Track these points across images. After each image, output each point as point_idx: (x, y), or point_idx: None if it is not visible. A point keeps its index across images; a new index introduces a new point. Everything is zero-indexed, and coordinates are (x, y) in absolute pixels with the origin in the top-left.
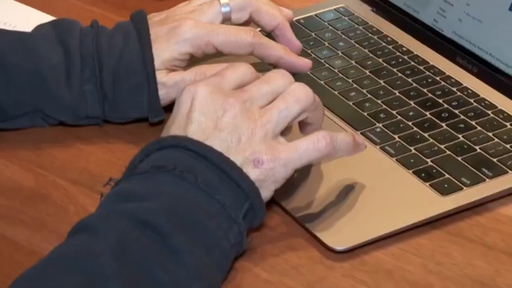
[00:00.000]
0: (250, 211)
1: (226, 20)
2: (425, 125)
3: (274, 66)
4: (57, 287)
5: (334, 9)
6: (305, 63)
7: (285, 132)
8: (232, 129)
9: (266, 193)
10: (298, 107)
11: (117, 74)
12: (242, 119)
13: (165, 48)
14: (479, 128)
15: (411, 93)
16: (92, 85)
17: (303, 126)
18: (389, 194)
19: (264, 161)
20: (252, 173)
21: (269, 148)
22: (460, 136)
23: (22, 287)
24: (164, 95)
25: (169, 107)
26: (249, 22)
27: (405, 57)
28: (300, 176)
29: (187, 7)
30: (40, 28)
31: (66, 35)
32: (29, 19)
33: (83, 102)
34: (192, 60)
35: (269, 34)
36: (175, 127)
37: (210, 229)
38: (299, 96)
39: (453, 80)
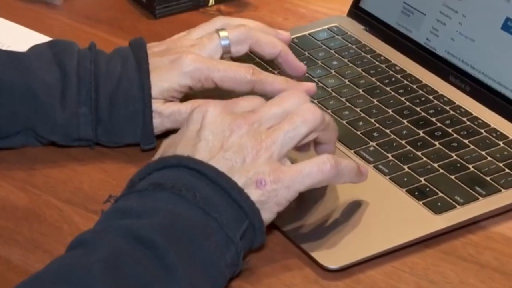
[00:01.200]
0: (249, 231)
1: (226, 53)
2: (418, 143)
3: None
4: None
5: (327, 28)
6: (307, 87)
7: (304, 148)
8: (237, 149)
9: (268, 215)
10: (305, 128)
11: (114, 99)
12: (248, 140)
13: (165, 78)
14: (472, 146)
15: (404, 112)
16: (87, 108)
17: (316, 146)
18: (382, 213)
19: (267, 183)
20: (254, 194)
21: (273, 169)
22: (453, 154)
23: None
24: (158, 123)
25: (162, 135)
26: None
27: (398, 76)
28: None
29: (186, 40)
30: (35, 48)
31: (63, 56)
32: (23, 39)
33: (76, 124)
34: (188, 93)
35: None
36: (183, 145)
37: (206, 247)
38: (307, 117)
39: (446, 99)
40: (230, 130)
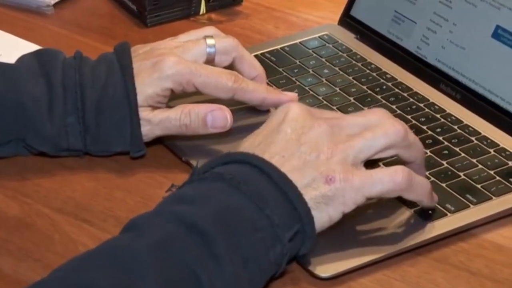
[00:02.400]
0: (299, 235)
1: (210, 61)
2: None
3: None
4: (94, 278)
5: (319, 37)
6: (290, 97)
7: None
8: (314, 145)
9: (332, 212)
10: (384, 140)
11: (100, 107)
12: (326, 139)
13: (148, 83)
14: (463, 154)
15: None
16: (74, 118)
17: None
18: (374, 221)
19: (336, 180)
20: (321, 188)
21: (344, 169)
22: (444, 162)
23: (63, 270)
24: (148, 131)
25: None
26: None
27: (389, 84)
28: None
29: (172, 42)
30: (23, 58)
31: (49, 67)
32: (14, 48)
33: (65, 135)
34: (176, 96)
35: None
36: (263, 136)
37: (252, 241)
38: (388, 131)
39: (436, 107)
40: (310, 127)
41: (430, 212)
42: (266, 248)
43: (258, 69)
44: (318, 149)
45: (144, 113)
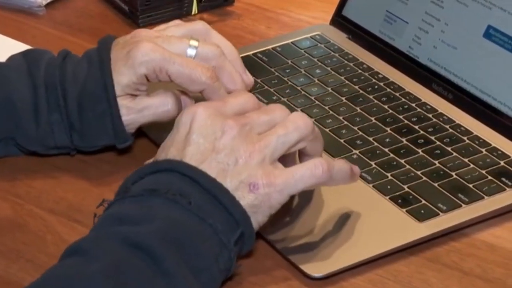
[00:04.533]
0: (241, 238)
1: None
2: (401, 151)
3: None
4: None
5: (310, 37)
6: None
7: (290, 161)
8: (230, 151)
9: (260, 218)
10: (297, 134)
11: (82, 102)
12: (240, 142)
13: (122, 72)
14: (455, 154)
15: (387, 120)
16: (58, 115)
17: (303, 158)
18: (366, 221)
19: (260, 186)
20: (247, 198)
21: (266, 173)
22: (436, 162)
23: None
24: (131, 120)
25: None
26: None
27: (381, 84)
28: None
29: (154, 31)
30: (12, 58)
31: (34, 67)
32: (5, 49)
33: (51, 133)
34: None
35: None
36: (174, 149)
37: (201, 252)
38: (299, 124)
39: (428, 107)
40: (222, 131)
41: (422, 211)
42: (215, 256)
43: (237, 84)
44: (235, 155)
45: (124, 102)
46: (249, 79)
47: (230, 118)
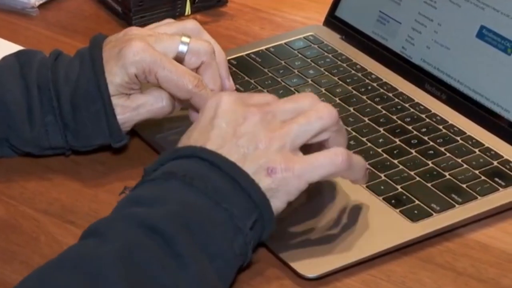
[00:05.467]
0: (259, 222)
1: (180, 59)
2: (395, 151)
3: None
4: (61, 286)
5: (304, 38)
6: None
7: (315, 150)
8: (250, 136)
9: (278, 204)
10: (319, 124)
11: (75, 102)
12: (262, 128)
13: (114, 72)
14: (448, 154)
15: (381, 120)
16: (52, 116)
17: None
18: (359, 221)
19: (278, 171)
20: (264, 181)
21: (284, 158)
22: (429, 162)
23: (27, 285)
24: (127, 118)
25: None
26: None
27: (374, 84)
28: None
29: (146, 29)
30: (5, 59)
31: (26, 68)
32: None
33: (45, 134)
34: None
35: None
36: (197, 132)
37: (214, 237)
38: (322, 114)
39: (422, 107)
40: (244, 118)
41: (415, 212)
42: (229, 241)
43: (217, 85)
44: (255, 140)
45: (119, 101)
46: (231, 85)
47: (254, 106)
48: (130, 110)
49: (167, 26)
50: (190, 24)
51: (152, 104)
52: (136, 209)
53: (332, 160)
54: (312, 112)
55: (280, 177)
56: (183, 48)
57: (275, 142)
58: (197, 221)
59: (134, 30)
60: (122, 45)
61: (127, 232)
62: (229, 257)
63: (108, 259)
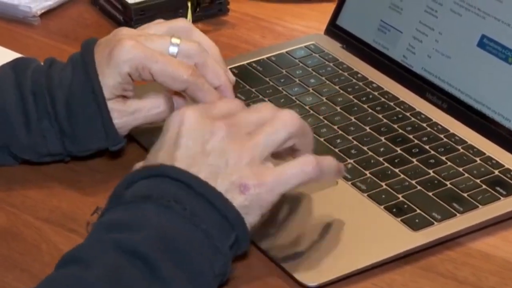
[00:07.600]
0: (236, 241)
1: None
2: (396, 160)
3: None
4: None
5: (305, 46)
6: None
7: (283, 156)
8: (219, 152)
9: (252, 219)
10: (285, 132)
11: (70, 107)
12: (229, 143)
13: (107, 74)
14: (449, 163)
15: (382, 129)
16: (48, 122)
17: (294, 154)
18: (360, 230)
19: (250, 187)
20: (238, 199)
21: (255, 173)
22: (430, 171)
23: None
24: (123, 122)
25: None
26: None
27: (376, 93)
28: (272, 213)
29: (136, 30)
30: (2, 68)
31: (22, 77)
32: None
33: (42, 141)
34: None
35: None
36: (163, 153)
37: (195, 258)
38: (287, 122)
39: (423, 116)
40: (210, 133)
41: (417, 220)
42: (210, 261)
43: (221, 79)
44: (225, 156)
45: (114, 105)
46: (231, 77)
47: (218, 120)
48: (127, 114)
49: (157, 25)
50: (180, 23)
51: (149, 110)
52: (116, 234)
53: (302, 169)
54: (276, 121)
55: (253, 193)
56: (173, 49)
57: (244, 155)
58: (177, 243)
59: (124, 30)
60: (112, 45)
61: (109, 258)
62: (210, 277)
63: (99, 284)
